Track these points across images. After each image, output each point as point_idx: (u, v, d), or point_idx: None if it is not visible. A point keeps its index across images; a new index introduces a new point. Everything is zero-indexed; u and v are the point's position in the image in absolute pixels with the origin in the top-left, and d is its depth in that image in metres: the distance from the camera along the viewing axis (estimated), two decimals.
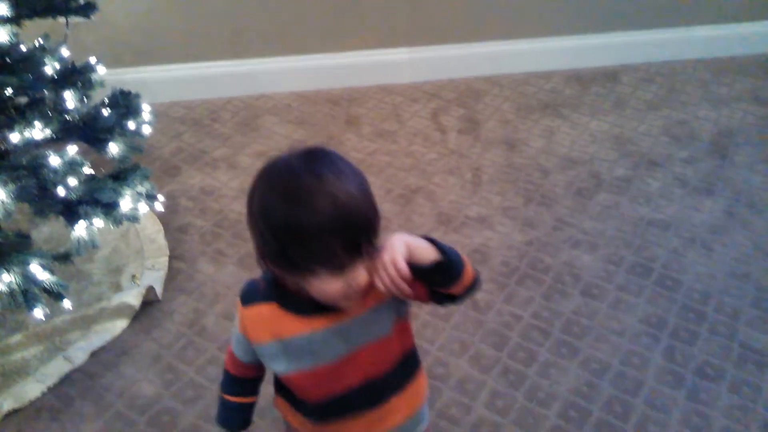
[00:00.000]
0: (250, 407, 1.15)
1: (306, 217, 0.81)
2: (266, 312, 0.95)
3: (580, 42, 2.94)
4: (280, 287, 0.93)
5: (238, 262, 2.03)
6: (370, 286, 0.87)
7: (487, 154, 2.48)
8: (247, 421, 1.15)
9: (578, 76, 2.93)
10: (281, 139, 2.52)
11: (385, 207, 2.24)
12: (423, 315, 1.89)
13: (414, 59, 2.82)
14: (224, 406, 1.14)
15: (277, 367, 0.99)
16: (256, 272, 1.99)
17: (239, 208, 2.21)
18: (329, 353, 0.95)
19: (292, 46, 2.72)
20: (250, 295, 0.99)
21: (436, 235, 2.10)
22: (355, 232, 0.83)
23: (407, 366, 1.05)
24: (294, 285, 0.90)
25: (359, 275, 0.85)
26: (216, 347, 1.79)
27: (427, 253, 0.86)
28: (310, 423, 1.05)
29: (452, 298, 0.94)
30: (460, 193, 2.31)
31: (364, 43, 2.77)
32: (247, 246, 2.07)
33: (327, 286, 0.85)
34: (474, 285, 0.95)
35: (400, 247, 0.83)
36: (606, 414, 1.67)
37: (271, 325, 0.95)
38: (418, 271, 0.85)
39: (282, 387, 1.06)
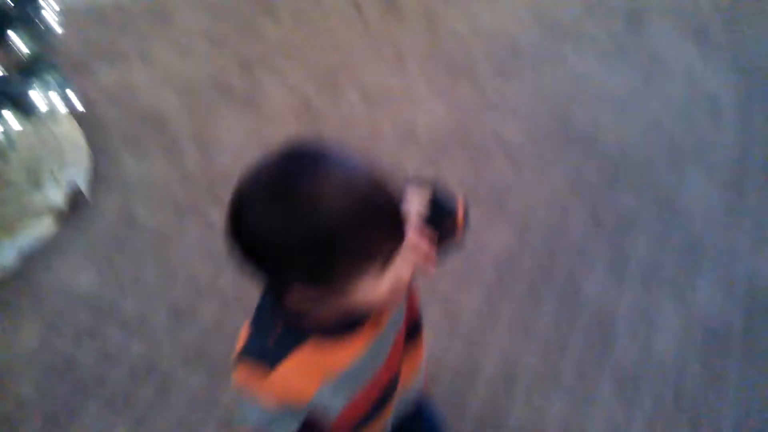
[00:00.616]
0: None
1: (336, 222, 0.66)
2: (308, 355, 0.76)
3: None
4: (302, 320, 0.76)
5: (164, 155, 1.99)
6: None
7: (407, 31, 2.47)
8: None
9: None
10: (196, 31, 2.43)
11: (308, 89, 2.22)
12: None
13: None
14: None
15: (330, 413, 0.82)
16: (183, 162, 1.95)
17: (157, 102, 2.15)
18: (373, 368, 0.83)
19: None
20: (273, 354, 0.76)
21: (360, 110, 2.13)
22: (389, 217, 0.70)
23: (413, 337, 0.93)
24: (315, 316, 0.75)
25: (402, 266, 0.72)
26: (150, 237, 1.78)
27: (422, 199, 0.81)
28: None
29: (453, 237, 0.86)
30: (383, 71, 2.30)
31: None
32: (169, 137, 2.03)
33: (376, 289, 0.71)
34: (466, 215, 0.87)
35: (416, 219, 0.78)
36: (537, 261, 1.76)
37: (318, 367, 0.78)
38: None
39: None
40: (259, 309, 0.79)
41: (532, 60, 2.37)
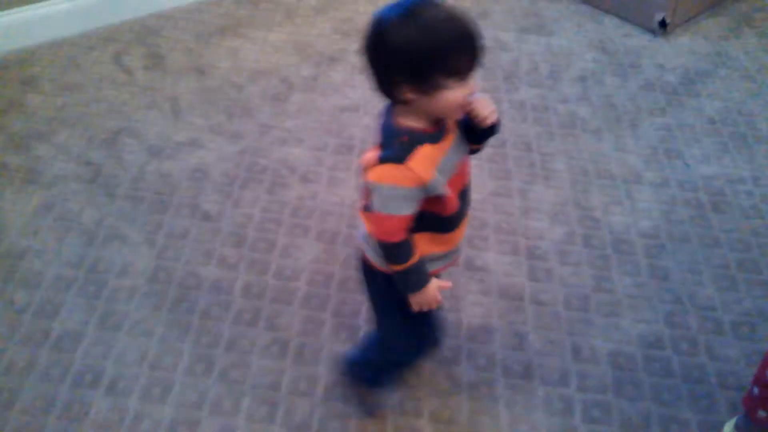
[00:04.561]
0: None
1: (448, 40, 1.02)
2: (426, 152, 1.11)
3: None
4: (417, 131, 1.12)
5: None
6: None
7: (179, 83, 2.53)
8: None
9: None
10: None
11: (92, 155, 2.21)
12: (161, 239, 1.95)
13: (76, 8, 2.72)
14: (411, 270, 1.21)
15: (441, 190, 1.15)
16: None
17: None
18: (456, 163, 1.18)
19: None
20: (404, 151, 1.10)
21: (149, 166, 2.16)
22: (477, 45, 1.05)
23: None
24: (416, 116, 1.11)
25: (473, 84, 1.08)
26: None
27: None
28: (445, 236, 1.25)
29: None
30: (163, 124, 2.34)
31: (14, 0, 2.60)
32: None
33: (455, 95, 1.06)
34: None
35: None
36: (346, 270, 1.90)
37: (432, 160, 1.12)
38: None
39: (420, 225, 1.20)
40: (384, 139, 1.14)
41: (302, 88, 2.54)
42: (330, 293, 1.84)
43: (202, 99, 2.46)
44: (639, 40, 2.87)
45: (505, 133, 2.38)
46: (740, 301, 1.86)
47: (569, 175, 2.24)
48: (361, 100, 2.50)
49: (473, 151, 1.25)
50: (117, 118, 2.35)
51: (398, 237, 1.16)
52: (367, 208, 1.19)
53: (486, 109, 1.13)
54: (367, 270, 1.32)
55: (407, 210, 1.14)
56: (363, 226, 1.26)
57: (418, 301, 1.25)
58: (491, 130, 1.19)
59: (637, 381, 1.68)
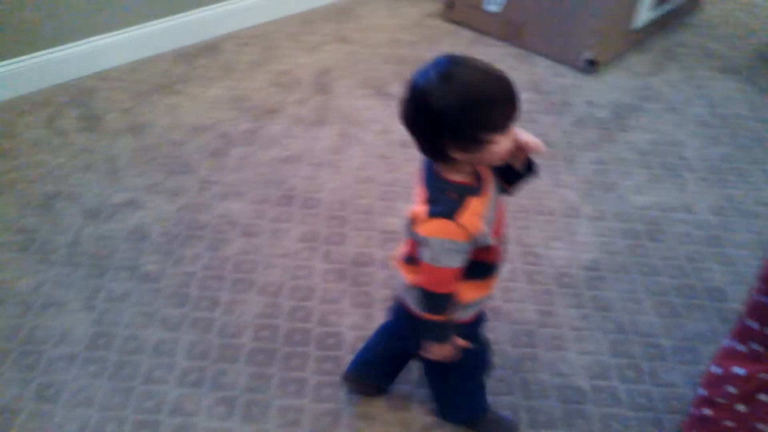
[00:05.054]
0: None
1: (488, 98, 1.05)
2: (474, 206, 1.14)
3: (178, 21, 3.07)
4: (463, 186, 1.16)
5: None
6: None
7: (116, 143, 2.51)
8: None
9: (183, 53, 3.07)
10: None
11: (26, 221, 2.16)
12: (100, 304, 1.91)
13: (7, 73, 2.69)
14: (447, 323, 1.28)
15: (488, 240, 1.20)
16: None
17: None
18: (496, 209, 1.22)
19: None
20: (454, 207, 1.13)
21: (86, 230, 2.12)
22: (517, 99, 1.08)
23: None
24: (460, 171, 1.15)
25: (514, 132, 1.12)
26: None
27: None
28: (489, 281, 1.32)
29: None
30: (101, 186, 2.31)
31: None
32: None
33: (501, 147, 1.09)
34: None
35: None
36: (292, 322, 1.88)
37: (479, 213, 1.16)
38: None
39: (470, 273, 1.24)
40: (432, 193, 1.16)
41: (241, 142, 2.54)
42: (276, 347, 1.81)
43: (140, 158, 2.44)
44: (570, 79, 2.97)
45: None
46: (680, 326, 1.90)
47: (510, 212, 2.26)
48: (301, 151, 2.51)
49: (505, 191, 1.28)
50: (52, 183, 2.31)
51: (448, 288, 1.22)
52: (412, 260, 1.26)
53: (531, 138, 1.18)
54: (413, 322, 1.33)
55: (458, 262, 1.18)
56: (403, 279, 1.32)
57: (440, 351, 1.33)
58: (530, 169, 1.24)
59: (586, 413, 1.68)
